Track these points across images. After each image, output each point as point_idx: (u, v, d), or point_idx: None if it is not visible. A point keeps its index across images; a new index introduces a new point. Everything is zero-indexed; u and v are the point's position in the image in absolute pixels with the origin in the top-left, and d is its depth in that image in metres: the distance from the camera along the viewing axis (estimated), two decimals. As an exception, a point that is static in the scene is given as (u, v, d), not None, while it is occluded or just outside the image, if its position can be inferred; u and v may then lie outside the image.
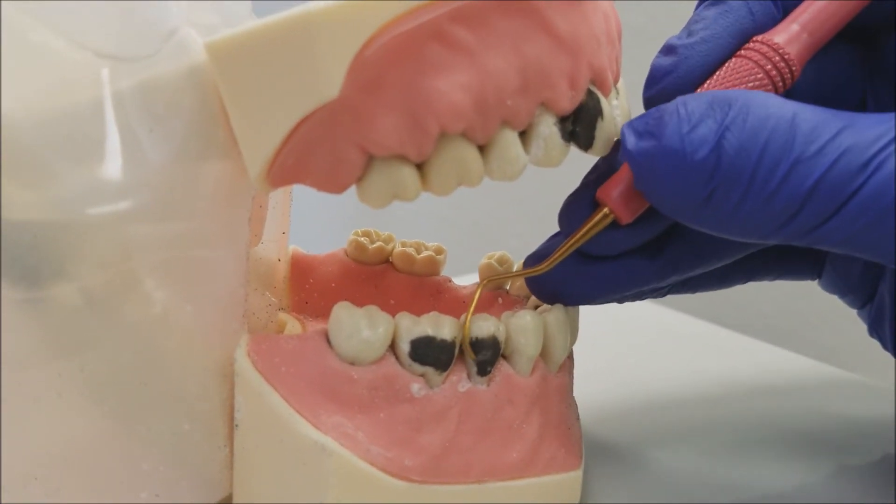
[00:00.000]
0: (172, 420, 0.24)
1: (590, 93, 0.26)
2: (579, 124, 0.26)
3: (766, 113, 0.24)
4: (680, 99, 0.25)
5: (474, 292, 0.28)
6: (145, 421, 0.24)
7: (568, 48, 0.24)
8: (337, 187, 0.24)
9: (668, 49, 0.27)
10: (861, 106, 0.30)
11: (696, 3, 0.29)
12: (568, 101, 0.25)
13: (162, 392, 0.24)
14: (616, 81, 0.27)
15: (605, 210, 0.27)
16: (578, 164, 0.30)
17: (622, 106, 0.27)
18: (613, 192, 0.27)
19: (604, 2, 0.26)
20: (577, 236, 0.27)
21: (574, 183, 0.29)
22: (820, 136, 0.23)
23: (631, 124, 0.26)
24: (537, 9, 0.24)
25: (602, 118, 0.26)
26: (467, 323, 0.26)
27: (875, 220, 0.23)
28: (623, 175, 0.27)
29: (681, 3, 0.66)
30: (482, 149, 0.24)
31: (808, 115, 0.24)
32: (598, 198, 0.27)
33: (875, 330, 0.32)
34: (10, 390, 0.22)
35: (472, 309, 0.26)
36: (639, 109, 0.29)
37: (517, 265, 0.32)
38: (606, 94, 0.26)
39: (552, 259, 0.28)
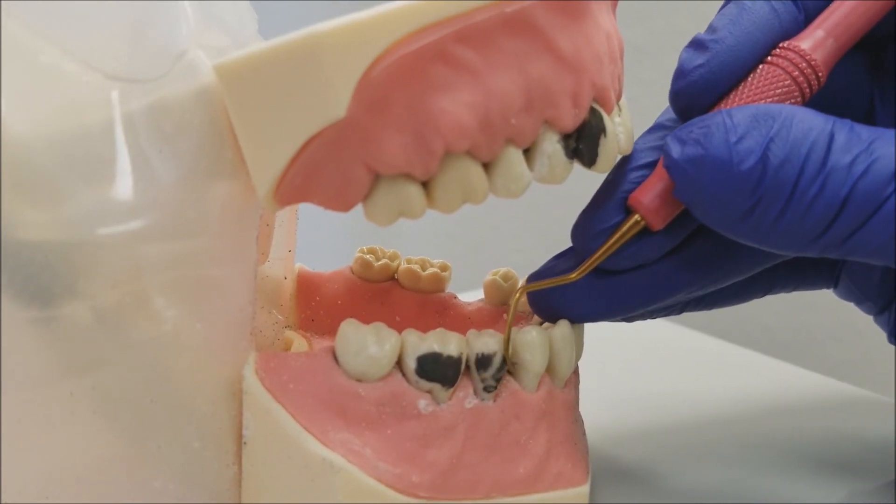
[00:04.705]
0: (182, 437, 0.24)
1: (593, 111, 0.26)
2: (583, 142, 0.26)
3: (809, 125, 0.25)
4: (724, 110, 0.25)
5: (510, 305, 0.27)
6: (156, 439, 0.24)
7: (571, 67, 0.25)
8: (344, 206, 0.24)
9: (696, 43, 0.28)
10: (869, 110, 0.31)
11: (699, 17, 0.29)
12: (571, 120, 0.25)
13: (172, 410, 0.24)
14: (618, 99, 0.28)
15: (637, 217, 0.27)
16: (582, 180, 0.30)
17: (625, 123, 0.28)
18: (645, 198, 0.27)
19: (606, 21, 0.26)
20: (609, 244, 0.27)
21: (577, 200, 0.30)
22: (853, 147, 0.24)
23: (675, 134, 0.26)
24: (541, 29, 0.24)
25: (605, 135, 0.26)
26: (507, 337, 0.26)
27: None
28: (654, 182, 0.27)
29: (681, 20, 0.66)
30: (487, 166, 0.25)
31: (844, 128, 0.25)
32: (629, 204, 0.27)
33: (895, 336, 0.32)
34: (23, 409, 0.22)
35: (510, 322, 0.27)
36: (640, 125, 0.30)
37: (521, 281, 0.32)
38: (609, 112, 0.27)
39: (585, 267, 0.28)
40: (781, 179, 0.24)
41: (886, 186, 0.24)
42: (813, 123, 0.25)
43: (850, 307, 0.35)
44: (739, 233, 0.25)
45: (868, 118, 0.31)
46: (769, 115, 0.25)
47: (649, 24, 0.68)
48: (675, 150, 0.25)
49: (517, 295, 0.28)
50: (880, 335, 0.34)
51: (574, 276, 0.28)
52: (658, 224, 0.27)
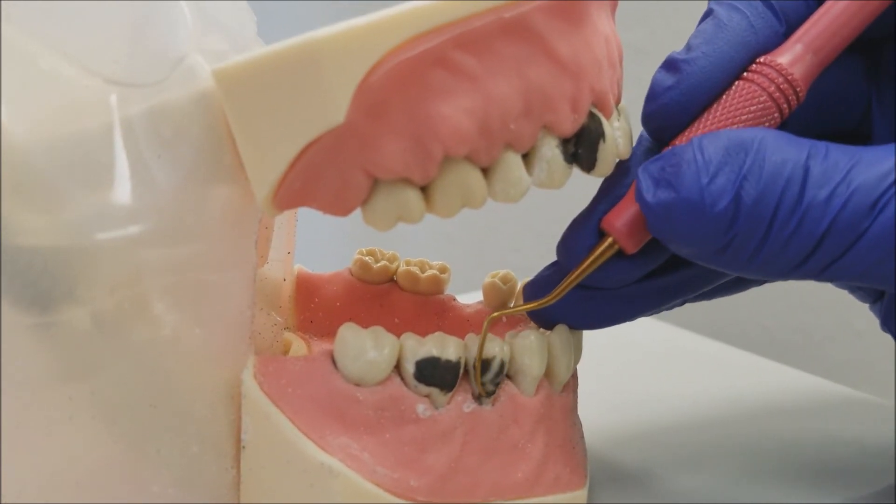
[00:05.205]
0: (181, 442, 0.24)
1: (591, 115, 0.26)
2: (581, 146, 0.26)
3: (782, 158, 0.24)
4: (695, 142, 0.25)
5: (483, 323, 0.27)
6: (155, 443, 0.24)
7: (570, 72, 0.25)
8: (343, 210, 0.24)
9: (669, 64, 0.27)
10: (866, 112, 0.31)
11: (699, 19, 0.29)
12: (570, 124, 0.25)
13: (171, 414, 0.24)
14: (617, 103, 0.28)
15: (610, 240, 0.27)
16: (581, 183, 0.30)
17: (623, 127, 0.28)
18: (618, 221, 0.27)
19: (605, 26, 0.26)
20: (583, 267, 0.27)
21: (576, 201, 0.30)
22: (831, 179, 0.24)
23: (647, 169, 0.26)
24: (540, 34, 0.24)
25: (604, 140, 0.26)
26: (478, 357, 0.26)
27: (885, 257, 0.24)
28: (627, 204, 0.27)
29: (681, 21, 0.66)
30: (486, 171, 0.25)
31: (819, 155, 0.24)
32: (602, 227, 0.27)
33: (887, 324, 0.32)
34: (22, 414, 0.23)
35: (483, 342, 0.26)
36: (639, 127, 0.30)
37: (520, 283, 0.32)
38: (608, 117, 0.27)
39: (558, 291, 0.27)
40: (756, 218, 0.24)
41: (866, 217, 0.24)
42: (787, 155, 0.24)
43: (849, 308, 0.35)
44: (716, 265, 0.25)
45: (864, 121, 0.31)
46: (741, 146, 0.24)
47: (649, 25, 0.68)
48: (648, 192, 0.25)
49: (488, 320, 0.27)
50: (880, 336, 0.34)
51: (547, 300, 0.27)
52: (631, 248, 0.27)
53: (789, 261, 0.24)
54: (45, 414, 0.23)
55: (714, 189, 0.24)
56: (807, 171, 0.24)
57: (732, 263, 0.25)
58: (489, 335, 0.27)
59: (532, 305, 0.28)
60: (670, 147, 0.26)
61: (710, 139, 0.25)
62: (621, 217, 0.27)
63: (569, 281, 0.27)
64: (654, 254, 0.28)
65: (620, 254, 0.27)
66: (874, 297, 0.33)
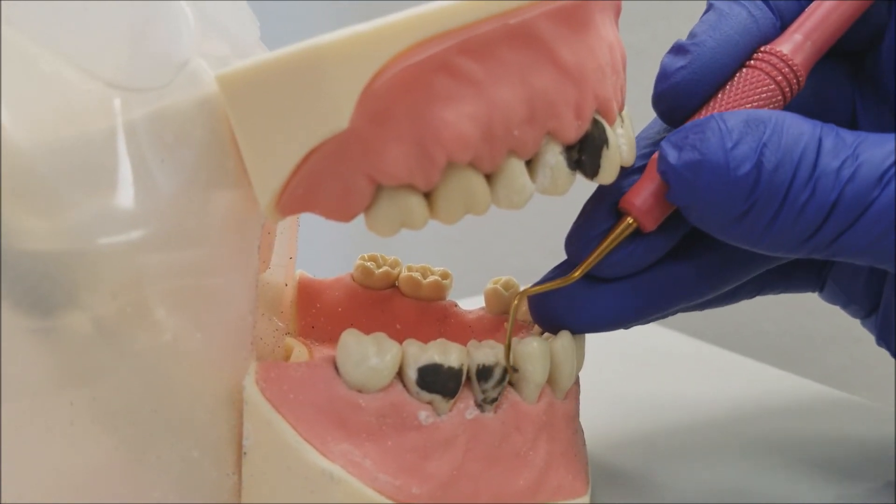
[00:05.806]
0: (182, 447, 0.24)
1: (595, 122, 0.26)
2: (585, 153, 0.26)
3: (799, 130, 0.25)
4: (716, 116, 0.26)
5: (510, 312, 0.28)
6: (156, 449, 0.24)
7: (574, 79, 0.25)
8: (345, 216, 0.24)
9: (677, 49, 0.28)
10: (852, 117, 0.32)
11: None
12: (574, 131, 0.25)
13: (172, 420, 0.24)
14: (620, 110, 0.28)
15: (629, 220, 0.27)
16: (584, 189, 0.30)
17: (627, 134, 0.28)
18: (636, 200, 0.27)
19: (609, 32, 0.26)
20: (603, 247, 0.28)
21: (580, 207, 0.30)
22: (840, 152, 0.25)
23: (669, 140, 0.26)
24: (544, 41, 0.24)
25: (607, 146, 0.26)
26: (508, 344, 0.26)
27: (887, 232, 0.25)
28: (644, 184, 0.28)
29: (683, 23, 0.66)
30: (489, 177, 0.25)
31: (830, 133, 0.25)
32: (621, 207, 0.28)
33: (883, 338, 0.33)
34: (23, 418, 0.22)
35: (510, 329, 0.27)
36: (641, 128, 0.30)
37: (521, 290, 0.32)
38: (611, 123, 0.27)
39: (582, 268, 0.28)
40: (775, 184, 0.25)
41: (872, 190, 0.25)
42: (803, 129, 0.25)
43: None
44: (732, 235, 0.26)
45: (851, 126, 0.32)
46: (760, 120, 0.26)
47: (651, 27, 0.68)
48: (672, 156, 0.26)
49: (516, 301, 0.28)
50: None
51: (572, 277, 0.28)
52: (650, 225, 0.28)
53: (800, 233, 0.25)
54: (46, 419, 0.23)
55: (738, 154, 0.25)
56: (820, 142, 0.25)
57: (748, 233, 0.26)
58: (491, 342, 0.27)
59: (556, 283, 0.28)
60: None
61: (729, 114, 0.26)
62: (640, 195, 0.27)
63: (590, 259, 0.28)
64: (665, 236, 0.28)
65: (632, 238, 0.28)
66: (866, 311, 0.33)
